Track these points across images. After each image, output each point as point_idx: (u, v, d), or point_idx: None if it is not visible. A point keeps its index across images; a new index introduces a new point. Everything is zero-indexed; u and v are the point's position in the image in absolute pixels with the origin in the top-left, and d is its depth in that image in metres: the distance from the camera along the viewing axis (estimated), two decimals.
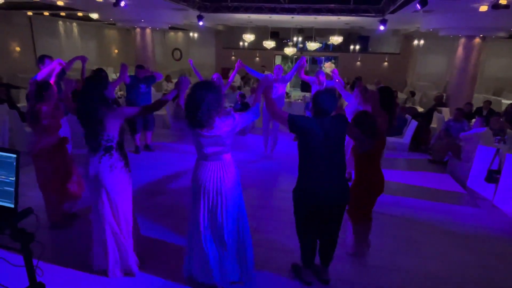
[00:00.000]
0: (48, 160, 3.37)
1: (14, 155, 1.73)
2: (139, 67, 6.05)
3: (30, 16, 12.80)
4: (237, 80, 13.59)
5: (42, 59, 4.20)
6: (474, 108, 8.61)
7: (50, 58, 4.24)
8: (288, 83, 6.85)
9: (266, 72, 6.04)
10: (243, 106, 7.89)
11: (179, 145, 6.86)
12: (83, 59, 4.34)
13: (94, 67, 5.96)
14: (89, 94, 2.55)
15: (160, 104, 2.75)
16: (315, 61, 19.93)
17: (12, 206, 1.73)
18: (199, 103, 2.29)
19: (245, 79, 15.21)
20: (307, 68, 19.43)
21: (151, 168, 5.54)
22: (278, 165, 6.00)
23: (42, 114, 3.27)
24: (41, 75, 3.98)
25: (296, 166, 2.67)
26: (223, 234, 2.55)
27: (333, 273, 2.99)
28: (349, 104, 4.87)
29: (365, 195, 3.07)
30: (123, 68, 4.44)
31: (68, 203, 3.62)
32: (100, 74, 5.53)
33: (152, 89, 10.58)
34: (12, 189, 1.73)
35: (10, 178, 1.74)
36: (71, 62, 4.30)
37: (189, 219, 2.67)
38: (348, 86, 11.32)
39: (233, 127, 2.46)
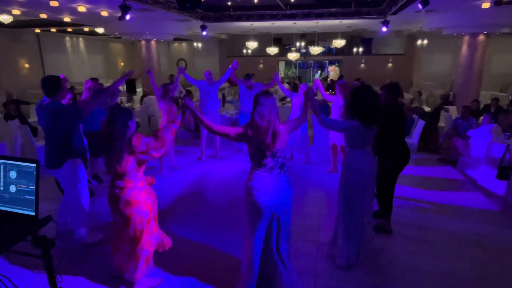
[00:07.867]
0: (138, 204, 2.60)
1: (34, 165, 1.79)
2: (95, 79, 5.05)
3: (38, 33, 13.12)
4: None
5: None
6: (482, 105, 8.55)
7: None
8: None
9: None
10: None
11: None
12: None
13: (101, 81, 5.84)
14: (268, 109, 2.34)
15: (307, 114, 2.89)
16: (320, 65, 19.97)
17: (33, 214, 1.79)
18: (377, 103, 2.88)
19: None
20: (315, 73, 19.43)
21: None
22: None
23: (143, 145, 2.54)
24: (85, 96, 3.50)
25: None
26: (364, 216, 3.05)
27: (343, 273, 3.01)
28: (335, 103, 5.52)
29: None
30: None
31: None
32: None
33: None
34: (33, 198, 1.79)
35: (31, 187, 1.80)
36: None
37: (346, 210, 3.03)
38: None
39: None
